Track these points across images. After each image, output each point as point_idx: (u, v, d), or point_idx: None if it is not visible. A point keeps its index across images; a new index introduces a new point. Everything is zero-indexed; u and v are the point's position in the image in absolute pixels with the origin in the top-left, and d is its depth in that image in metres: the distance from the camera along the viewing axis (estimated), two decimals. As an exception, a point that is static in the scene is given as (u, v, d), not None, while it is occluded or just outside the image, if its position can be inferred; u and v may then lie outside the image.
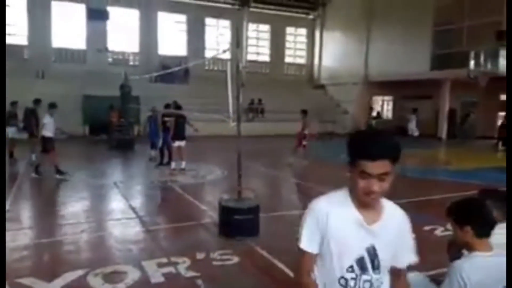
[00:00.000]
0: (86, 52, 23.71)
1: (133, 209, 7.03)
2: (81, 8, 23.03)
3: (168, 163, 10.89)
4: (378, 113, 26.93)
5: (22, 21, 22.31)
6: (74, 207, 7.20)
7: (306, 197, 8.95)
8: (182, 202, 7.88)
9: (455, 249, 2.45)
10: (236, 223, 5.39)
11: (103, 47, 23.81)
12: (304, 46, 30.33)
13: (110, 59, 24.37)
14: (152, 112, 12.23)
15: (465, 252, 2.27)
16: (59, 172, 9.43)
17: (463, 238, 2.24)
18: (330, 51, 28.78)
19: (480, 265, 2.15)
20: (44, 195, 8.46)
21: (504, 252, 2.27)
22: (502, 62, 16.02)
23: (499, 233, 2.69)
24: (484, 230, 2.24)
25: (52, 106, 9.47)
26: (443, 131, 21.57)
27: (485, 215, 2.27)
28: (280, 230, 6.19)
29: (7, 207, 6.74)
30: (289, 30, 29.74)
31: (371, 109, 13.00)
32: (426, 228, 5.84)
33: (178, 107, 11.23)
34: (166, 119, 11.08)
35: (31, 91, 14.62)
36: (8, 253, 4.53)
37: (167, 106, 11.69)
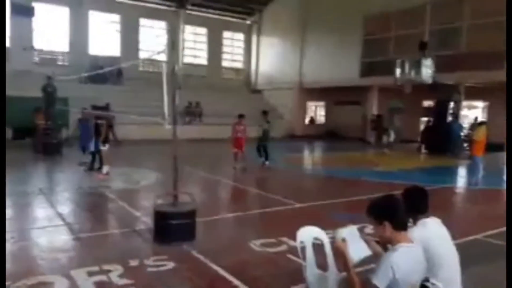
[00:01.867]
0: (10, 50, 22.06)
1: (60, 216, 6.64)
2: (5, 3, 21.36)
3: (100, 168, 10.42)
4: (311, 118, 27.87)
5: None
6: (-7, 216, 6.65)
7: (242, 200, 9.01)
8: (114, 208, 7.59)
9: (383, 245, 2.63)
10: (172, 228, 5.28)
11: (28, 45, 22.32)
12: (241, 51, 30.57)
13: (36, 58, 22.91)
14: (82, 114, 11.65)
15: (389, 246, 2.43)
16: None
17: (384, 234, 2.40)
18: (267, 57, 29.27)
19: (405, 255, 2.33)
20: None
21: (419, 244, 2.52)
22: (425, 70, 17.22)
23: (420, 227, 2.90)
24: (401, 223, 2.43)
25: None
26: (372, 135, 22.79)
27: (399, 209, 2.48)
28: (217, 233, 6.17)
29: None
30: (226, 34, 29.80)
31: (265, 113, 13.43)
32: (357, 226, 6.10)
33: (104, 108, 10.79)
34: (99, 121, 10.61)
35: None
36: None
37: (95, 108, 11.20)
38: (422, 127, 21.29)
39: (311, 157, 16.96)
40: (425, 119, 21.14)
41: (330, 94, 25.45)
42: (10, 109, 18.14)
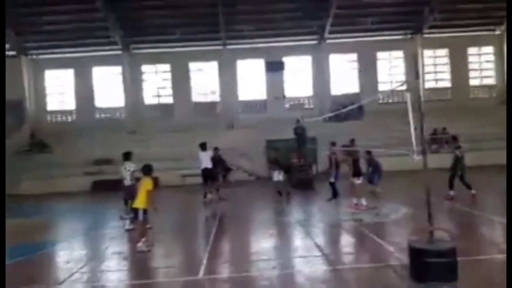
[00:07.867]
0: (266, 102, 25.95)
1: (318, 247, 7.15)
2: (261, 63, 25.51)
3: (330, 199, 11.74)
4: None
5: (215, 81, 26.01)
6: (264, 243, 7.76)
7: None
8: (366, 241, 7.66)
9: None
10: (430, 266, 4.94)
11: (281, 95, 25.71)
12: (492, 65, 27.02)
13: (287, 105, 26.04)
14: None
15: None
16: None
17: None
18: (526, 67, 24.90)
19: None
20: (238, 231, 9.23)
21: None
22: None
23: None
24: None
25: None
26: None
27: None
28: (483, 276, 5.41)
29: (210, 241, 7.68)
30: (471, 50, 26.97)
31: (454, 138, 10.16)
32: None
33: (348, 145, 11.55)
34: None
35: (223, 140, 16.77)
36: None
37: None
38: None
39: None
40: None
41: None
42: (269, 151, 21.07)
